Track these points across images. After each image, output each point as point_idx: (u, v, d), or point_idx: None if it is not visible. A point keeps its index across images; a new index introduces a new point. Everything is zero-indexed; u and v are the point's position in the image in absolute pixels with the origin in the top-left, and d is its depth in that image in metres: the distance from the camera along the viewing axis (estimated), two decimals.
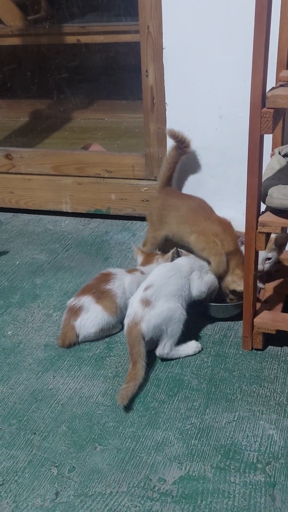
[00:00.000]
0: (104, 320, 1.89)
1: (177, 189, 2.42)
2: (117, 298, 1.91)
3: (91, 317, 1.87)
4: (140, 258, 2.08)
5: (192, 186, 2.40)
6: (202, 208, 2.05)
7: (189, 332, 1.81)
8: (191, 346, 1.82)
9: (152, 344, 1.78)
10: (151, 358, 1.76)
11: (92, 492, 1.39)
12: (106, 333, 1.92)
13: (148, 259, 2.06)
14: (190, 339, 1.83)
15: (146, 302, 1.73)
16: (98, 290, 1.91)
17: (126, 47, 3.61)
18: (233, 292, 1.96)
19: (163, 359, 1.80)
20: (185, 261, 1.92)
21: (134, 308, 1.75)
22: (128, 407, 1.63)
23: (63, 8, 3.82)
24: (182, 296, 1.80)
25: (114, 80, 4.02)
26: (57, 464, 1.47)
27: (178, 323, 1.76)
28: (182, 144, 2.18)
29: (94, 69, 4.08)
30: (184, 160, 2.34)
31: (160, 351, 1.77)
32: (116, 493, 1.39)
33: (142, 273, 2.00)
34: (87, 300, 1.89)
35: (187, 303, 1.83)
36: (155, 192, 2.27)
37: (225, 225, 1.98)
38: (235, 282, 1.94)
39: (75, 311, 1.88)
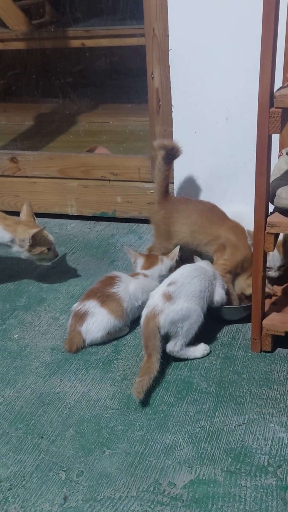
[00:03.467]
0: (110, 323, 1.87)
1: (184, 192, 2.40)
2: (124, 301, 1.89)
3: (97, 321, 1.86)
4: (140, 261, 2.04)
5: (199, 188, 2.39)
6: (214, 213, 2.03)
7: (197, 334, 1.79)
8: (200, 349, 1.80)
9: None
10: None
11: (101, 496, 1.38)
12: (113, 336, 1.90)
13: (151, 261, 2.03)
14: (199, 341, 1.81)
15: (168, 297, 1.73)
16: (103, 293, 1.89)
17: (130, 51, 3.61)
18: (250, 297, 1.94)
19: (173, 358, 1.78)
20: (208, 265, 1.91)
21: (154, 301, 1.74)
22: (136, 410, 1.61)
23: (67, 12, 3.83)
24: (203, 298, 1.79)
25: (119, 84, 4.03)
26: (65, 468, 1.46)
27: (194, 324, 1.75)
28: (172, 150, 2.07)
29: (99, 73, 4.09)
30: (191, 163, 2.33)
31: (171, 347, 1.76)
32: (126, 497, 1.37)
33: (145, 276, 1.99)
34: (92, 305, 1.87)
35: (207, 306, 1.82)
36: (155, 204, 2.16)
37: (238, 230, 1.97)
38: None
39: (80, 316, 1.86)
